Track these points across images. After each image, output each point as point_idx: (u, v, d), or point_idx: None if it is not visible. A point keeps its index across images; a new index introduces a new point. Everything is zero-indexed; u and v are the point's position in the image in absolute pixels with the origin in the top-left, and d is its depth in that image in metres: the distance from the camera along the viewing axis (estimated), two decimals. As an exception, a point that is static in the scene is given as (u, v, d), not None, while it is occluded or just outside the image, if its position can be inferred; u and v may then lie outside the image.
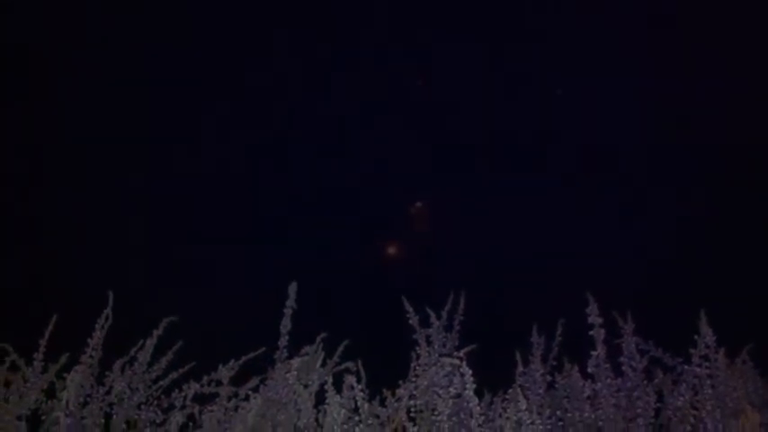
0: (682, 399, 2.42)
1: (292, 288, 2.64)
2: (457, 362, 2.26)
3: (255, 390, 2.48)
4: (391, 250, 4.77)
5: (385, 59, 4.86)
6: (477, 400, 2.16)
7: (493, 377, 2.55)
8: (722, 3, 4.48)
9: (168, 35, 4.64)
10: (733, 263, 4.19)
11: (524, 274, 4.35)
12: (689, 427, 2.39)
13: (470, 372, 2.17)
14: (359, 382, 2.36)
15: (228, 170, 4.67)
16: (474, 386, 2.17)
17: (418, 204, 4.79)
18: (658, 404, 2.49)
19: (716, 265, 4.19)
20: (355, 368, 2.53)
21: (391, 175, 4.74)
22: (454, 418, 2.29)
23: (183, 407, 2.54)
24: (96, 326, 2.59)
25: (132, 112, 4.60)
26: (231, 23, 4.82)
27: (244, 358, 2.63)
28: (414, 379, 2.43)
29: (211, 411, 2.43)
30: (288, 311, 2.62)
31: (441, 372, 2.36)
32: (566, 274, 4.25)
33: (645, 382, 2.51)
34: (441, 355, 2.51)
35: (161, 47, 4.63)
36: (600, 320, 2.56)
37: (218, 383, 2.56)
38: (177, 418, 2.44)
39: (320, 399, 2.42)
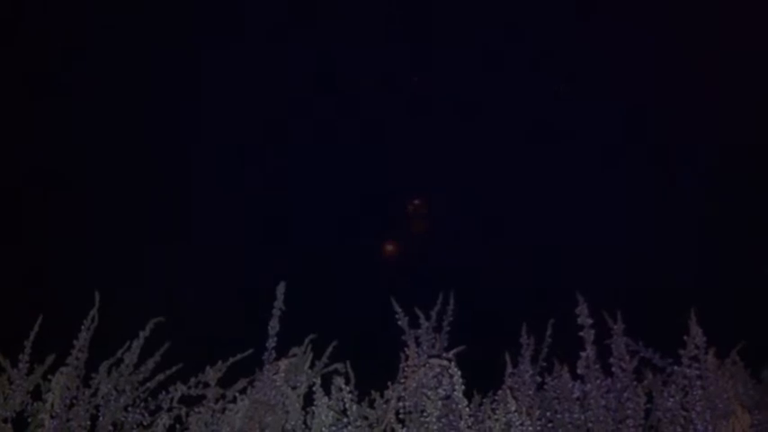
0: (672, 400, 2.41)
1: (280, 289, 2.62)
2: (446, 363, 2.24)
3: (243, 391, 2.46)
4: (380, 250, 4.76)
5: (384, 56, 4.86)
6: (466, 402, 2.14)
7: (482, 378, 2.54)
8: (722, 3, 4.49)
9: (164, 32, 4.63)
10: (722, 262, 4.20)
11: (514, 274, 4.34)
12: (679, 429, 2.38)
13: (459, 373, 2.15)
14: (347, 383, 2.35)
15: (220, 171, 4.67)
16: (463, 387, 2.15)
17: (409, 205, 4.78)
18: (648, 405, 2.48)
19: (705, 264, 4.20)
20: (344, 370, 2.51)
21: (383, 176, 4.74)
22: (443, 420, 2.28)
23: (170, 408, 2.52)
24: (82, 327, 2.57)
25: (125, 110, 4.59)
26: (230, 20, 4.81)
27: (231, 360, 2.61)
28: (402, 380, 2.41)
29: (198, 413, 2.41)
30: (276, 312, 2.60)
31: (429, 373, 2.34)
32: (555, 274, 4.25)
33: (635, 383, 2.50)
34: (430, 357, 2.50)
35: (158, 45, 4.62)
36: (590, 321, 2.55)
37: (206, 385, 2.54)
38: (164, 419, 2.42)
39: (308, 401, 2.40)
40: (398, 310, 2.61)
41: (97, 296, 2.60)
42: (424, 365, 2.38)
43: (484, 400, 2.53)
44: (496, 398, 2.49)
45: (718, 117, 4.53)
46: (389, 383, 2.44)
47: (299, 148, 4.81)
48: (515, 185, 4.67)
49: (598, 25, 4.90)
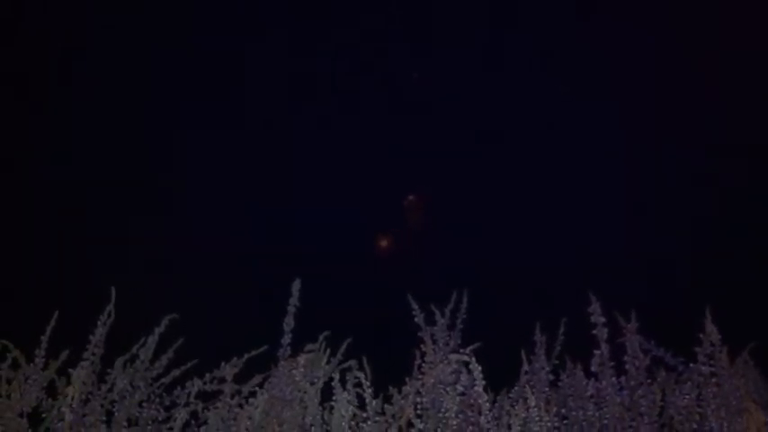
0: (687, 397, 2.43)
1: (295, 286, 2.63)
2: (466, 357, 2.26)
3: (261, 386, 2.47)
4: (392, 247, 4.77)
5: (384, 54, 4.88)
6: (486, 397, 2.16)
7: (493, 376, 2.55)
8: (723, 3, 4.52)
9: (164, 33, 4.64)
10: (733, 262, 4.21)
11: (526, 273, 4.36)
12: (694, 425, 2.40)
13: (480, 368, 2.17)
14: (366, 378, 2.36)
15: (229, 169, 4.67)
16: (484, 383, 2.17)
17: (420, 202, 4.79)
18: (662, 403, 2.50)
19: (717, 264, 4.21)
20: (358, 366, 2.52)
21: (393, 173, 4.75)
22: (461, 416, 2.29)
23: (187, 404, 2.53)
24: (98, 322, 2.57)
25: (132, 110, 4.59)
26: (229, 21, 4.82)
27: (247, 356, 2.62)
28: (420, 376, 2.43)
29: (216, 408, 2.41)
30: (291, 309, 2.61)
31: (447, 369, 2.36)
32: (567, 273, 4.27)
33: (648, 381, 2.52)
34: (450, 352, 2.51)
35: (158, 46, 4.63)
36: (602, 319, 2.57)
37: (221, 381, 2.55)
38: (182, 414, 2.43)
39: (324, 396, 2.42)
40: (415, 307, 2.62)
41: (113, 292, 2.60)
42: (443, 361, 2.40)
43: (497, 398, 2.55)
44: (511, 395, 2.52)
45: (719, 116, 4.55)
46: (407, 379, 2.45)
47: (305, 145, 4.82)
48: (528, 184, 4.69)
49: (598, 25, 4.91)
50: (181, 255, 4.37)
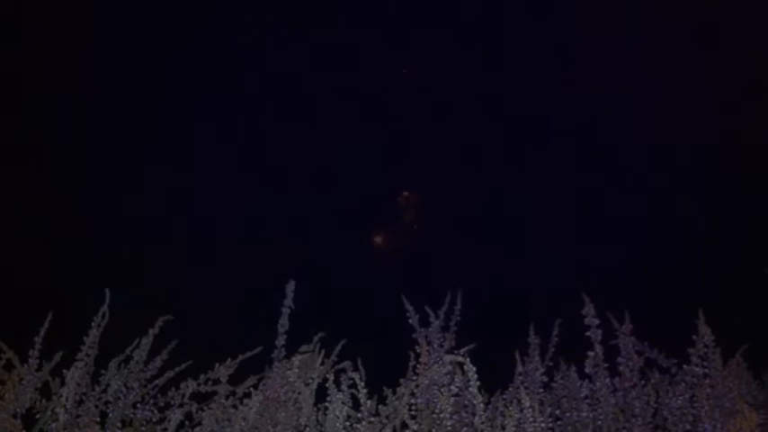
0: (680, 398, 2.43)
1: (290, 287, 2.64)
2: (460, 358, 2.26)
3: (255, 387, 2.47)
4: (387, 249, 4.78)
5: (383, 53, 4.88)
6: (480, 398, 2.16)
7: (487, 377, 2.55)
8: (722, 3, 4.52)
9: (164, 33, 4.64)
10: (726, 264, 4.22)
11: (520, 275, 4.36)
12: (687, 427, 2.40)
13: (474, 369, 2.17)
14: (360, 379, 2.36)
15: (227, 168, 4.68)
16: (478, 383, 2.17)
17: (414, 202, 4.80)
18: (655, 404, 2.50)
19: (710, 266, 4.22)
20: (352, 367, 2.52)
21: (388, 172, 4.76)
22: (455, 417, 2.30)
23: (181, 405, 2.53)
24: (92, 323, 2.57)
25: (131, 110, 4.60)
26: (227, 19, 4.82)
27: (241, 357, 2.62)
28: (414, 378, 2.43)
29: (210, 410, 2.41)
30: (285, 311, 2.61)
31: (442, 370, 2.36)
32: (561, 275, 4.27)
33: (642, 382, 2.53)
34: (445, 353, 2.51)
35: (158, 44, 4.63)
36: (596, 321, 2.58)
37: (216, 382, 2.55)
38: (176, 415, 2.43)
39: (319, 397, 2.42)
40: (410, 308, 2.62)
41: (107, 293, 2.60)
42: (437, 362, 2.40)
43: (491, 399, 2.55)
44: (505, 396, 2.52)
45: (720, 116, 4.55)
46: (402, 380, 2.46)
47: (302, 145, 4.82)
48: (522, 185, 4.69)
49: (598, 25, 4.91)
50: (176, 256, 4.38)
